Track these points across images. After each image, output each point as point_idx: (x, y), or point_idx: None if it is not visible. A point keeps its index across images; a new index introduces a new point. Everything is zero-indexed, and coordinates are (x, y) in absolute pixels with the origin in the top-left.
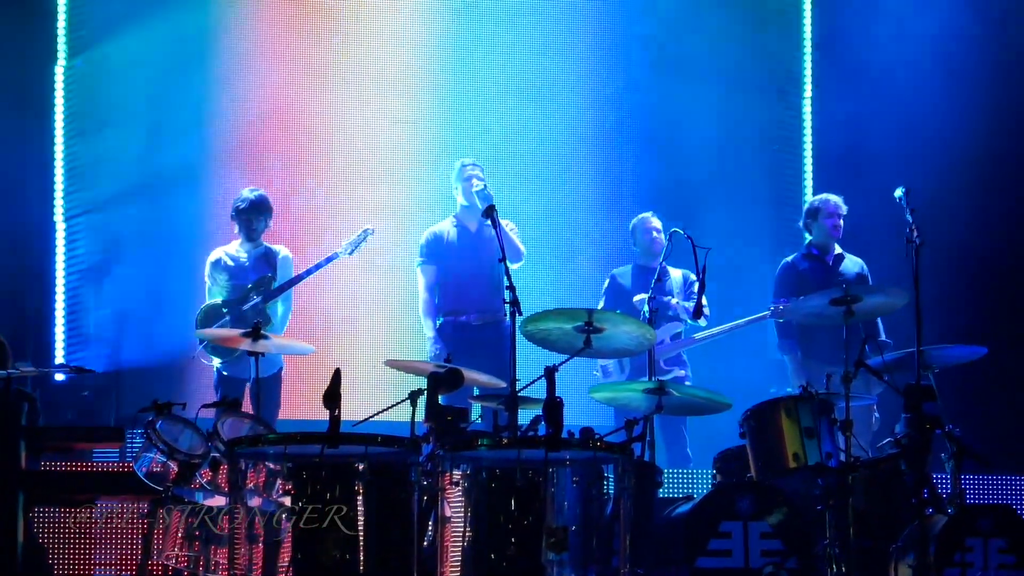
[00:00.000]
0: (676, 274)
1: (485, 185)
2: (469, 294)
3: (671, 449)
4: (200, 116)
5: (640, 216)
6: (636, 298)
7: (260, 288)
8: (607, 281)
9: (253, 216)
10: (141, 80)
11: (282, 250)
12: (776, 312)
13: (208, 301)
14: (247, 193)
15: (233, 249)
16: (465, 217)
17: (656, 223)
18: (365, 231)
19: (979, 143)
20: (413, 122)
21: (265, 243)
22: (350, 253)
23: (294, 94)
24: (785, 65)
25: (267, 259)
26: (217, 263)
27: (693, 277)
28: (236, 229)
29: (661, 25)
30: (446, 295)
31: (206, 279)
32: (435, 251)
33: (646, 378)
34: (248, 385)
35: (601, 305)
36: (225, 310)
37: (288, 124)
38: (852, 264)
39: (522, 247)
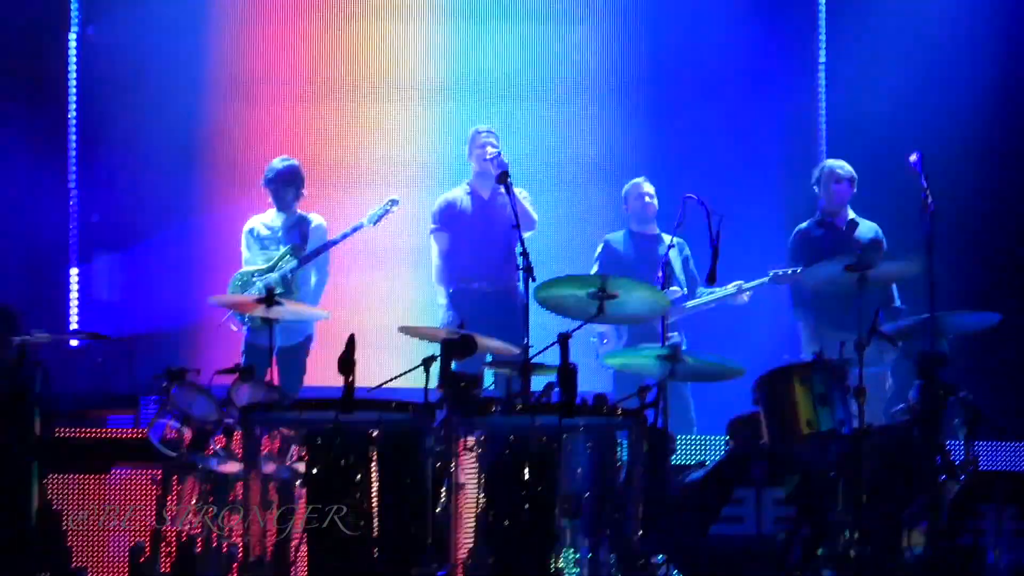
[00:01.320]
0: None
1: (499, 152)
2: (481, 261)
3: (675, 413)
4: (218, 83)
5: (632, 182)
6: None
7: (290, 256)
8: (600, 246)
9: (280, 186)
10: (156, 48)
11: (315, 218)
12: (776, 278)
13: (243, 268)
14: (277, 163)
15: (268, 218)
16: (478, 184)
17: (648, 188)
18: (392, 201)
19: (995, 108)
20: (431, 90)
21: (300, 211)
22: (374, 223)
23: (318, 60)
24: (799, 30)
25: (300, 228)
26: (251, 232)
27: (687, 248)
28: (269, 198)
29: None
30: (458, 262)
31: (243, 249)
32: (448, 218)
33: (644, 344)
34: (275, 353)
35: (595, 270)
36: (256, 278)
37: (313, 91)
38: (866, 230)
39: (535, 214)
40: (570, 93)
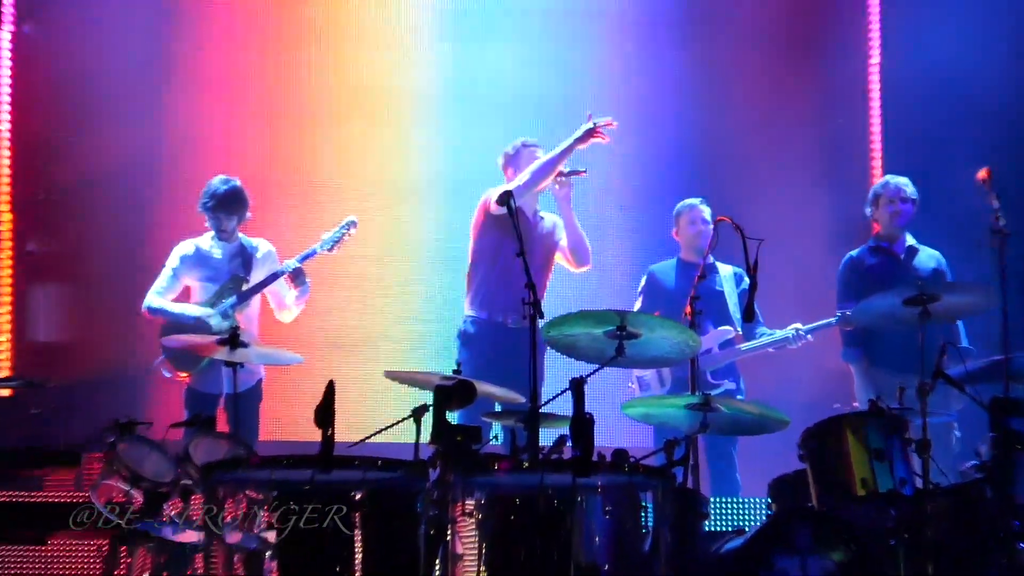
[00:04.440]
0: (726, 271)
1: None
2: (506, 292)
3: (718, 475)
4: (165, 95)
5: (687, 202)
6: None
7: (231, 290)
8: (644, 279)
9: (220, 211)
10: (104, 49)
11: (262, 244)
12: (844, 319)
13: (154, 295)
14: (216, 183)
15: (206, 243)
16: (525, 202)
17: (705, 212)
18: (348, 222)
19: None
20: (422, 114)
21: (241, 236)
22: (330, 249)
23: (267, 71)
24: (848, 22)
25: (242, 256)
26: (187, 258)
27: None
28: (207, 223)
29: None
30: (483, 290)
31: (167, 270)
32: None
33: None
34: (222, 401)
35: (638, 306)
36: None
37: (262, 105)
38: (927, 258)
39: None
40: (593, 99)
